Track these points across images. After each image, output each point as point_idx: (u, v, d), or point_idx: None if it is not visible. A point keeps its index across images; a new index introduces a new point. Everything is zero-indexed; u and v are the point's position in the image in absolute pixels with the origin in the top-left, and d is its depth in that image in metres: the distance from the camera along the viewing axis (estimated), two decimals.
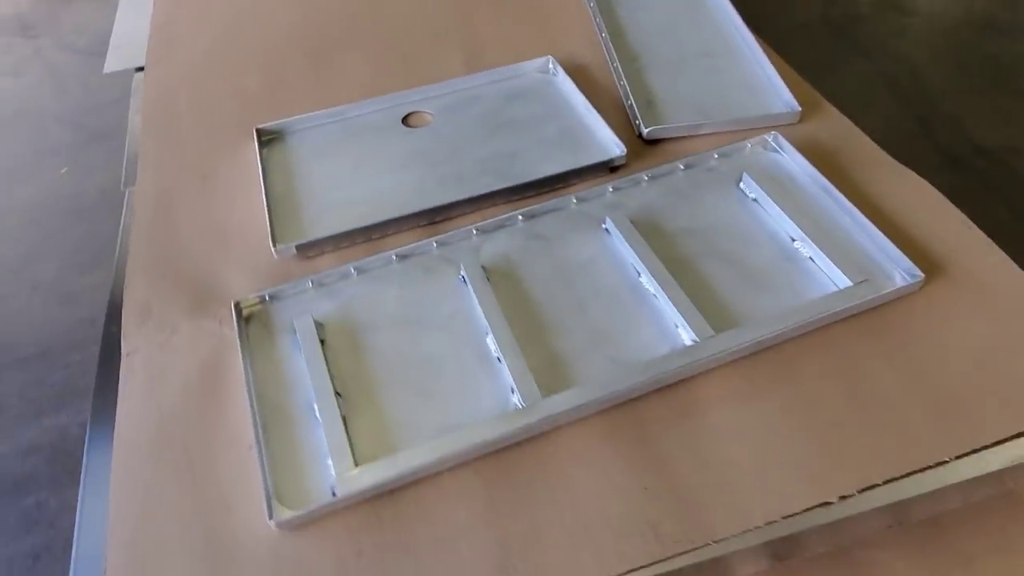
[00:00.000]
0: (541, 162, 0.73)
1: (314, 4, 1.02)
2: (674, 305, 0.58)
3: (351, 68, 0.91)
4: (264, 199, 0.71)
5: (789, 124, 0.75)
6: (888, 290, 0.58)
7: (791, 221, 0.63)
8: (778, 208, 0.65)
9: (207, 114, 0.86)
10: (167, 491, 0.53)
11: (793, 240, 0.63)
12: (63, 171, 1.37)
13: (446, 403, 0.56)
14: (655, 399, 0.55)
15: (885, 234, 0.61)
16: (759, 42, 0.84)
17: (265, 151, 0.78)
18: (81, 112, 1.56)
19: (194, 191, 0.76)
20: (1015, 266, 0.60)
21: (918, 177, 0.68)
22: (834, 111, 0.77)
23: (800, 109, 0.75)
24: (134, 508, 0.52)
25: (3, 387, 1.10)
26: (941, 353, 0.55)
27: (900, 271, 0.59)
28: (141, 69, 0.95)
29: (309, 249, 0.68)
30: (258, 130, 0.80)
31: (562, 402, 0.53)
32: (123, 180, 0.80)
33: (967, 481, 0.52)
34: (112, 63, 0.96)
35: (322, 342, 0.60)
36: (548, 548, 0.48)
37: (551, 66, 0.85)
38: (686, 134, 0.75)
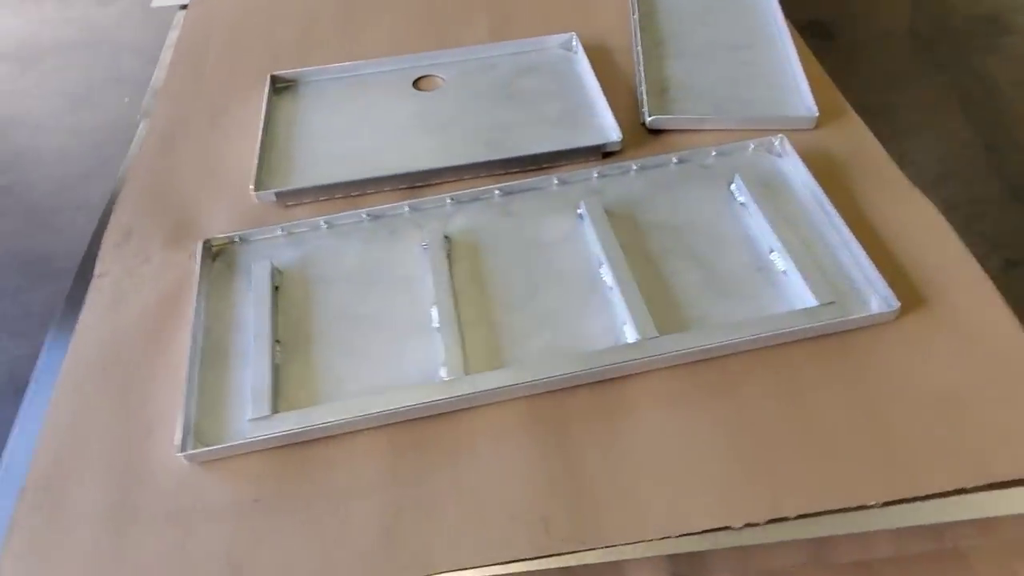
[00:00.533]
0: (535, 139, 0.72)
1: None
2: (625, 300, 0.56)
3: (380, 26, 0.91)
4: (258, 144, 0.72)
5: (804, 129, 0.71)
6: (855, 316, 0.54)
7: (772, 230, 0.60)
8: (762, 215, 0.61)
9: (233, 56, 0.88)
10: (101, 408, 0.55)
11: (771, 250, 0.60)
12: (125, 100, 1.45)
13: (377, 365, 0.55)
14: (585, 392, 0.53)
15: (872, 256, 0.57)
16: (795, 39, 0.79)
17: (275, 98, 0.80)
18: (155, 46, 1.63)
19: (201, 129, 0.78)
20: (1006, 309, 0.55)
21: (927, 201, 0.63)
22: (857, 121, 0.72)
23: (817, 114, 0.70)
24: (67, 418, 0.54)
25: (35, 294, 1.18)
26: (899, 391, 0.51)
27: (877, 297, 0.55)
28: (186, 7, 0.98)
29: (289, 197, 0.68)
30: (273, 76, 0.81)
31: (485, 381, 0.52)
32: (141, 111, 0.83)
33: (899, 530, 0.49)
34: None
35: (276, 288, 0.61)
36: (437, 522, 0.47)
37: (574, 43, 0.83)
38: (691, 127, 0.72)
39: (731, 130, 0.72)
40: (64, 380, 0.57)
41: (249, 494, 0.50)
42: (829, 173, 0.66)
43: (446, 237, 0.63)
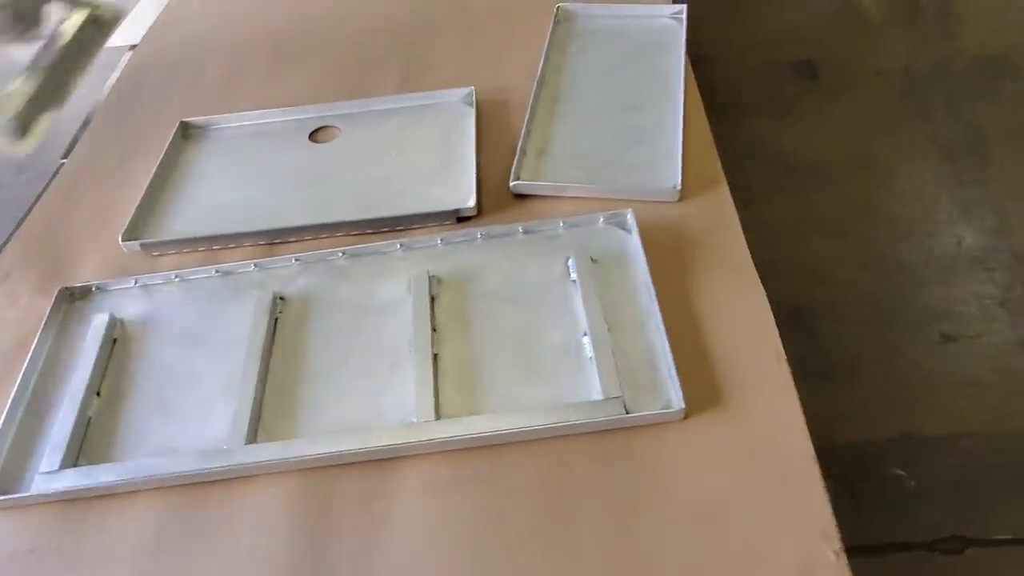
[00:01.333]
0: (400, 198, 0.72)
1: (304, 11, 1.05)
2: (416, 379, 0.56)
3: (302, 75, 0.93)
4: (142, 192, 0.75)
5: (667, 201, 0.69)
6: (636, 414, 0.52)
7: (585, 312, 0.58)
8: (583, 295, 0.60)
9: (160, 100, 0.92)
10: None
11: (584, 334, 0.58)
12: None
13: (179, 425, 0.57)
14: (357, 471, 0.53)
15: (684, 349, 0.55)
16: (689, 102, 0.77)
17: (183, 144, 0.83)
18: None
19: (107, 173, 0.82)
20: (801, 421, 0.52)
21: (762, 295, 0.60)
22: (726, 198, 0.69)
23: (679, 187, 0.68)
24: None
25: None
26: (664, 499, 0.49)
27: (672, 396, 0.53)
28: (135, 47, 1.03)
29: (154, 248, 0.71)
30: (183, 123, 0.84)
31: (256, 453, 0.53)
32: (64, 150, 0.88)
33: None
34: (116, 38, 1.05)
35: (115, 341, 0.64)
36: None
37: (474, 97, 0.83)
38: (554, 194, 0.71)
39: (596, 198, 0.70)
40: None
41: (26, 545, 0.52)
42: (677, 251, 0.64)
43: (281, 298, 0.64)
